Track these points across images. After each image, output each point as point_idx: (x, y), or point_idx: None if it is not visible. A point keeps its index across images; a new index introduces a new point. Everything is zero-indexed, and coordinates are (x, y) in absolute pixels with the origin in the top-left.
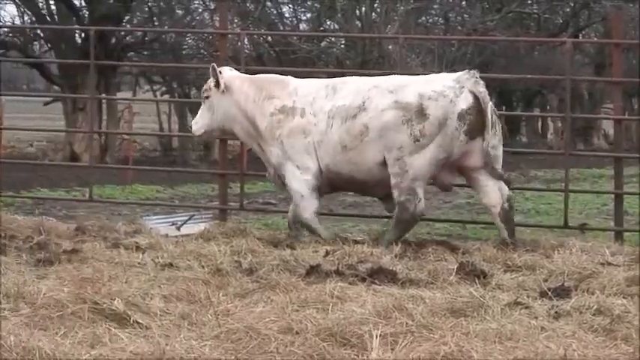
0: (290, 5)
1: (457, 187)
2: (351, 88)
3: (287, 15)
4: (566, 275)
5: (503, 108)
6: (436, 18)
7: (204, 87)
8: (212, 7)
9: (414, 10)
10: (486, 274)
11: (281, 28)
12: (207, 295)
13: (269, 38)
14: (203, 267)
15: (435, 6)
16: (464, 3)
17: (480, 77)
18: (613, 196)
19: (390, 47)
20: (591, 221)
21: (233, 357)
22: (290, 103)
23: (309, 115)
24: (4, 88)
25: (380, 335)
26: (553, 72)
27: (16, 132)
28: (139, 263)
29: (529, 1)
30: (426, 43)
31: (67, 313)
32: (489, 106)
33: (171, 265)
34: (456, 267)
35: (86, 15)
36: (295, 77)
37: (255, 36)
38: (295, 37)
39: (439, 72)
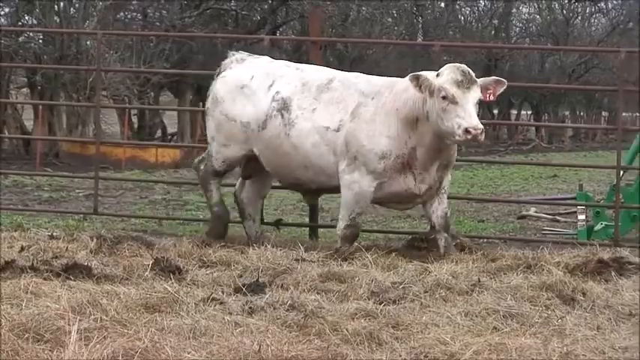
0: None
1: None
2: None
3: None
4: (261, 271)
5: (200, 104)
6: (135, 14)
7: None
8: None
9: (113, 5)
10: (181, 270)
11: None
12: None
13: None
14: None
15: (134, 2)
16: None
17: (178, 74)
18: None
19: (88, 43)
20: (287, 217)
21: None
22: None
23: None
24: None
25: (75, 331)
26: None
27: None
28: None
29: None
30: (125, 38)
31: None
32: None
33: None
34: (151, 263)
35: None
36: None
37: None
38: None
39: (138, 67)
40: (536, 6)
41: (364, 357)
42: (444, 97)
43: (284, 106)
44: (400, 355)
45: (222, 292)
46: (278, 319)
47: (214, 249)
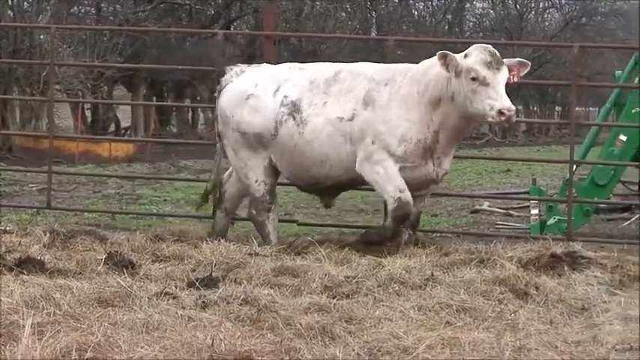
0: None
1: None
2: None
3: None
4: (214, 265)
5: (154, 99)
6: (88, 8)
7: None
8: None
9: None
10: (134, 265)
11: None
12: None
13: None
14: None
15: None
16: None
17: (131, 68)
18: None
19: (42, 37)
20: (240, 212)
21: None
22: None
23: None
24: None
25: (29, 325)
26: (204, 63)
27: None
28: None
29: None
30: (78, 33)
31: None
32: None
33: None
34: (104, 257)
35: None
36: None
37: None
38: None
39: (91, 61)
40: (490, 1)
41: (317, 351)
42: (473, 79)
43: (295, 109)
44: (353, 350)
45: (176, 287)
46: (231, 313)
47: (167, 243)
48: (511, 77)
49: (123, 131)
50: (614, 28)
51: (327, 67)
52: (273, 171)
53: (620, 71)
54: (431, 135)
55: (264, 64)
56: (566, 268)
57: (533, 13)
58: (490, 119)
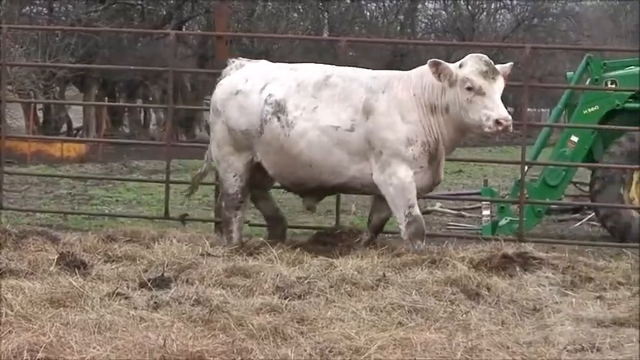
0: None
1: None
2: None
3: None
4: (166, 266)
5: (106, 99)
6: (40, 8)
7: None
8: None
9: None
10: (86, 265)
11: None
12: None
13: None
14: None
15: None
16: None
17: (83, 69)
18: (214, 187)
19: None
20: (192, 212)
21: None
22: None
23: None
24: None
25: None
26: (156, 63)
27: None
28: None
29: None
30: (30, 33)
31: None
32: None
33: None
34: (56, 257)
35: None
36: None
37: None
38: None
39: (43, 61)
40: (442, 2)
41: (269, 352)
42: (469, 89)
43: (279, 109)
44: (305, 350)
45: (128, 287)
46: (183, 313)
47: (119, 244)
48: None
49: (75, 131)
50: (566, 30)
51: (316, 69)
52: (252, 170)
53: (571, 72)
54: (433, 139)
55: (263, 60)
56: (517, 268)
57: (484, 13)
58: (487, 129)
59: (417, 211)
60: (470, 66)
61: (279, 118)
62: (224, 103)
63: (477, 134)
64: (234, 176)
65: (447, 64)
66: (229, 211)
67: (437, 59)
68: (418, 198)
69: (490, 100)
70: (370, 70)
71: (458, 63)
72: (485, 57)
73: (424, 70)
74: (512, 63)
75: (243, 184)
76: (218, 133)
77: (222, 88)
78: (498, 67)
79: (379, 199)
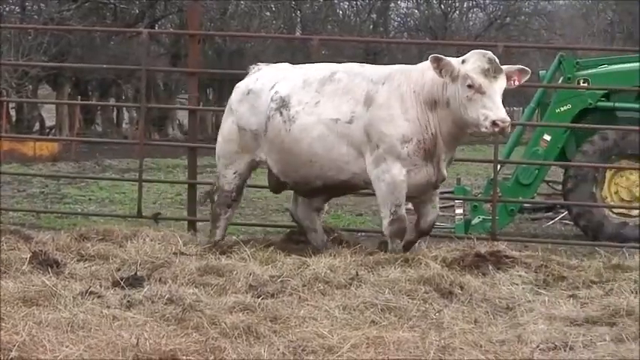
0: None
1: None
2: None
3: None
4: (139, 265)
5: (79, 98)
6: (13, 7)
7: None
8: None
9: None
10: (59, 264)
11: None
12: None
13: None
14: None
15: None
16: None
17: (56, 67)
18: (187, 185)
19: None
20: (165, 211)
21: None
22: None
23: None
24: None
25: None
26: (129, 62)
27: None
28: None
29: None
30: (3, 31)
31: None
32: None
33: None
34: (29, 256)
35: None
36: None
37: None
38: None
39: (16, 60)
40: (415, 0)
41: (242, 350)
42: (469, 86)
43: (282, 105)
44: (278, 349)
45: (100, 286)
46: (156, 312)
47: (92, 242)
48: (511, 84)
49: (47, 130)
50: (538, 28)
51: (325, 67)
52: (251, 170)
53: (544, 71)
54: (429, 136)
55: (284, 63)
56: (490, 267)
57: (457, 12)
58: (483, 129)
59: (402, 210)
60: (472, 62)
61: (281, 113)
62: (237, 104)
63: (474, 133)
64: (233, 173)
65: (449, 59)
66: (220, 207)
67: (438, 55)
68: (415, 195)
69: (490, 99)
70: (376, 65)
71: (461, 58)
72: (490, 54)
73: (426, 66)
74: (523, 67)
75: (241, 183)
76: (225, 129)
77: (238, 90)
78: (504, 67)
79: (422, 204)
